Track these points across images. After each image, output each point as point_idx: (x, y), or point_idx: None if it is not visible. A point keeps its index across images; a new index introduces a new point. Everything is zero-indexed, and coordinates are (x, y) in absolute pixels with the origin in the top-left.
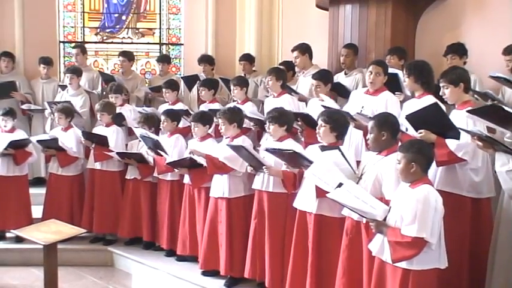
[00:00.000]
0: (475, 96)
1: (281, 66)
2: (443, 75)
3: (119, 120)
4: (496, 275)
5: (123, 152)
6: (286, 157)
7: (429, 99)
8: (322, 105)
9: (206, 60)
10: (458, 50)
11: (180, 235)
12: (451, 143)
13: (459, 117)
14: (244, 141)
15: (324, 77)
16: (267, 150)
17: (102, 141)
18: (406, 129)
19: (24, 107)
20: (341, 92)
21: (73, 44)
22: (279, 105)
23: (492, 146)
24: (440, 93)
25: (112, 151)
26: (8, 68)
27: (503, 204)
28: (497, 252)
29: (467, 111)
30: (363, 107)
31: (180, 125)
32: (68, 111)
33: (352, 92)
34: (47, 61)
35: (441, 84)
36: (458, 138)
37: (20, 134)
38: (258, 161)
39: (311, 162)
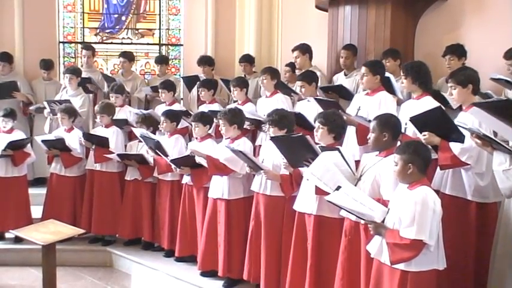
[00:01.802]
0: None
1: (274, 67)
2: (452, 75)
3: (119, 124)
4: (496, 275)
5: (124, 154)
6: (294, 142)
7: (428, 100)
8: (315, 98)
9: (205, 61)
10: (457, 50)
11: (179, 236)
12: (455, 147)
13: (466, 120)
14: (245, 143)
15: (306, 77)
16: (271, 138)
17: (102, 143)
18: (405, 130)
19: (33, 107)
20: (343, 94)
21: (82, 45)
22: (271, 105)
23: (490, 144)
24: (448, 94)
25: (112, 152)
26: (5, 72)
27: (504, 207)
28: (496, 255)
29: (474, 103)
30: (359, 107)
31: (178, 126)
32: (71, 112)
33: (355, 95)
34: (47, 66)
35: (449, 85)
36: (462, 141)
37: (18, 135)
38: (256, 164)
39: (316, 155)
